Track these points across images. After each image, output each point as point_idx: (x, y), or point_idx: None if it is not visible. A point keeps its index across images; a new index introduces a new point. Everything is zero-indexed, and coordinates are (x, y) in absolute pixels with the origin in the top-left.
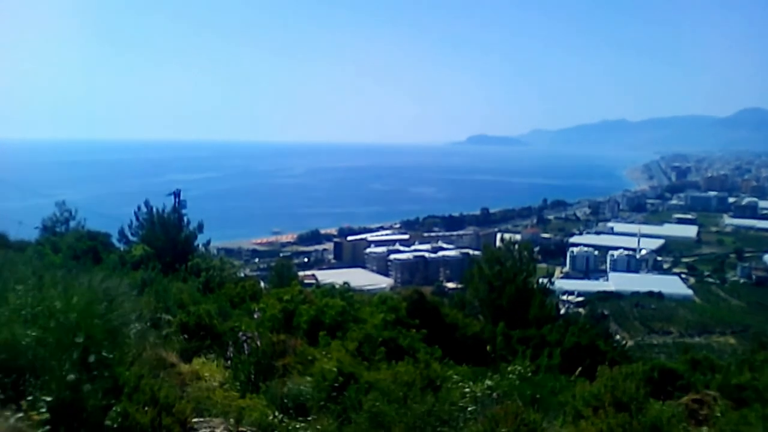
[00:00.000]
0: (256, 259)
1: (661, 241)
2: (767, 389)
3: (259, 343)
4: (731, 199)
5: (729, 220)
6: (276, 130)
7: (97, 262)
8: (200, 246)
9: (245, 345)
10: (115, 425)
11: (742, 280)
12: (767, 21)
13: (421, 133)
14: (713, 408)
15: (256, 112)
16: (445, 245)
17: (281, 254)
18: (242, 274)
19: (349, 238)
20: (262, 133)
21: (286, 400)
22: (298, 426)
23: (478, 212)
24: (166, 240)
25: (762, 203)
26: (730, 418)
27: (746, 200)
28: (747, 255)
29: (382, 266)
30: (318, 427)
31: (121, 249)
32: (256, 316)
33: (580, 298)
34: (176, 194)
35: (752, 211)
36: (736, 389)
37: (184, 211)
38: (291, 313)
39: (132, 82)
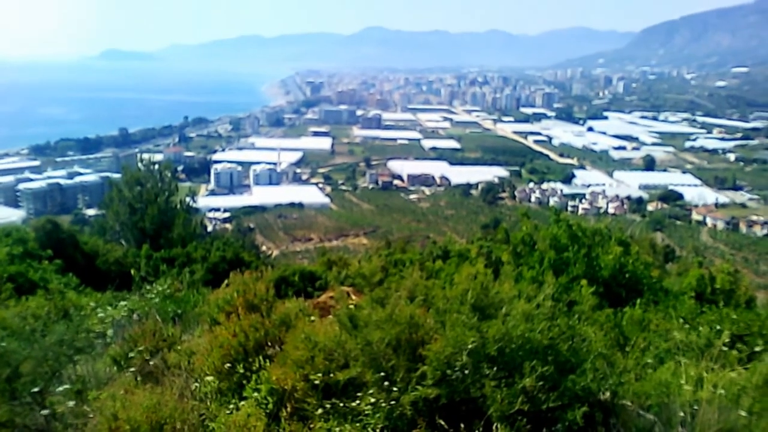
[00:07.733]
0: None
1: (299, 154)
2: (373, 275)
3: None
4: (359, 112)
5: (358, 132)
6: None
7: None
8: None
9: None
10: None
11: (370, 186)
12: None
13: (47, 45)
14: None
15: None
16: (82, 170)
17: None
18: None
19: None
20: None
21: None
22: None
23: (116, 133)
24: None
25: (385, 115)
26: (348, 306)
27: (372, 113)
28: (374, 163)
29: (11, 197)
30: None
31: None
32: None
33: (227, 214)
34: None
35: (377, 123)
36: (356, 280)
37: None
38: None
39: None
